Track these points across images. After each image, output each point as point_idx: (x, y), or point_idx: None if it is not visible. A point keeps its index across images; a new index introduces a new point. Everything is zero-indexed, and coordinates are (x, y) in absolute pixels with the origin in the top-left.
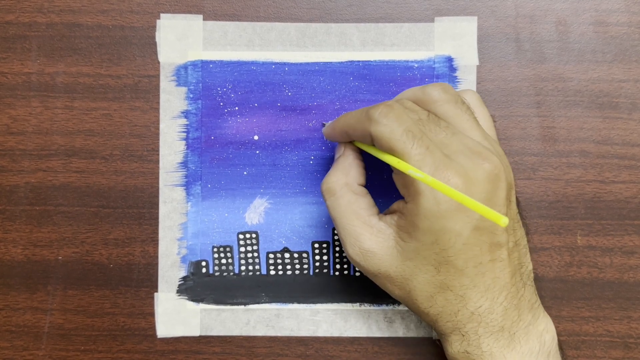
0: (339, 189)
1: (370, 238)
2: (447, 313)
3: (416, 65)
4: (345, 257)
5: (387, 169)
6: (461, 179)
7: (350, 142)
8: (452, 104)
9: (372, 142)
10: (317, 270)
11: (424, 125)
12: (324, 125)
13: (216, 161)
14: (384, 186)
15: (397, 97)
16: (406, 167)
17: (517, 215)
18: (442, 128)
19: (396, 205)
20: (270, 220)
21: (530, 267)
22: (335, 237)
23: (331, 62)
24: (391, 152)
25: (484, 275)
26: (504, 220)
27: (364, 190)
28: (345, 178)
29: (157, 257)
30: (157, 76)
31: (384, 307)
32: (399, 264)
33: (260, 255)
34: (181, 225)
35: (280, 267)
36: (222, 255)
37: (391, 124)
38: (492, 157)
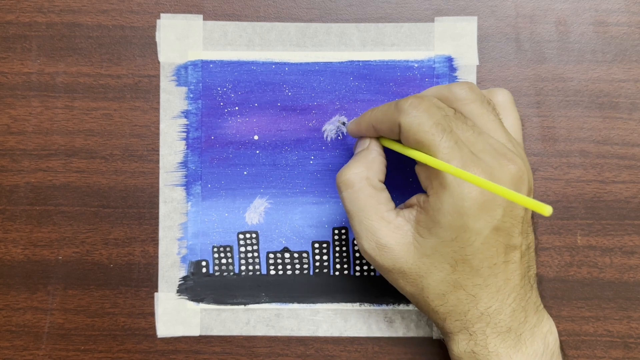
0: (357, 182)
1: (387, 234)
2: (457, 312)
3: (416, 65)
4: (345, 257)
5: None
6: (487, 177)
7: (375, 138)
8: (477, 103)
9: (399, 135)
10: (317, 270)
11: (451, 122)
12: (343, 123)
13: (216, 161)
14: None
15: (422, 93)
16: (435, 161)
17: (530, 220)
18: (468, 126)
19: (415, 199)
20: (270, 220)
21: (535, 270)
22: (335, 238)
23: (331, 62)
24: (419, 144)
25: (497, 276)
26: (548, 209)
27: (383, 185)
28: (367, 172)
29: (157, 257)
30: (157, 76)
31: (384, 307)
32: (415, 260)
33: (260, 255)
34: (181, 225)
35: (280, 267)
36: (222, 255)
37: (421, 116)
38: (516, 160)
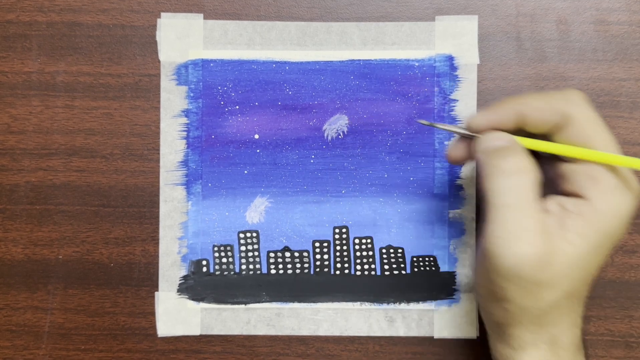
0: (526, 172)
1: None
2: (566, 324)
3: (417, 64)
4: (346, 256)
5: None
6: None
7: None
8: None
9: (553, 129)
10: (317, 270)
11: None
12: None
13: (217, 160)
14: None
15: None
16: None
17: None
18: None
19: (555, 203)
20: (270, 219)
21: None
22: (336, 237)
23: (332, 61)
24: (598, 139)
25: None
26: None
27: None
28: (535, 173)
29: (157, 256)
30: (158, 75)
31: (384, 306)
32: (558, 269)
33: (261, 254)
34: (182, 224)
35: (280, 266)
36: (222, 254)
37: (593, 111)
38: None
